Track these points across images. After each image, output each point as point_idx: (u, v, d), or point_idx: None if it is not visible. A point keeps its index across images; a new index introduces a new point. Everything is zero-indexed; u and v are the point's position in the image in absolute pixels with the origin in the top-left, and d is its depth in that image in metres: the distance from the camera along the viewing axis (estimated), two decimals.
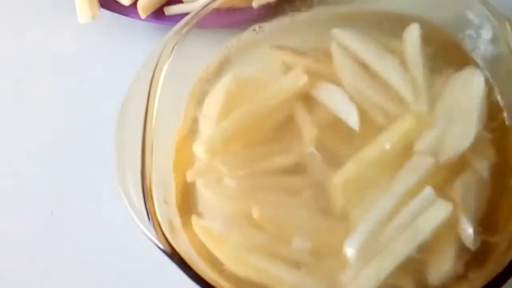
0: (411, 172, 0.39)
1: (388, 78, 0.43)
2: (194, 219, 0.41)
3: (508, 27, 0.42)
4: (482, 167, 0.40)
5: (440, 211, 0.38)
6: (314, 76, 0.44)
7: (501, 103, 0.43)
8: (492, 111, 0.42)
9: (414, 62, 0.43)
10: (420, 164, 0.40)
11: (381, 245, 0.37)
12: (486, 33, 0.44)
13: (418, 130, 0.41)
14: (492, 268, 0.36)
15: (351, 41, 0.45)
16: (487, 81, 0.43)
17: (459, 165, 0.40)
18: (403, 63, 0.43)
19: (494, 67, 0.44)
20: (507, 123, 0.42)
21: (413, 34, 0.44)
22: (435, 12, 0.46)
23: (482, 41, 0.44)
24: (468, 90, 0.43)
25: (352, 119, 0.41)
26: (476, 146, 0.41)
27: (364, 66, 0.44)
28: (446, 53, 0.45)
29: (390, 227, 0.38)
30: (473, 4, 0.43)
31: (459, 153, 0.40)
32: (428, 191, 0.38)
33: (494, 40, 0.43)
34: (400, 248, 0.37)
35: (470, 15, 0.44)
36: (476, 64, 0.44)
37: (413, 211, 0.38)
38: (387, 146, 0.40)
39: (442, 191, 0.39)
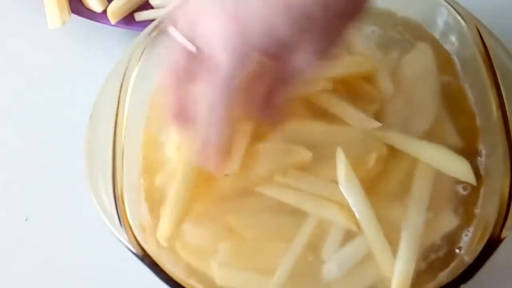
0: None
1: None
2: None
3: (474, 24, 0.43)
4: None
5: None
6: None
7: (469, 91, 0.44)
8: (459, 96, 0.44)
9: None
10: None
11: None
12: (456, 30, 0.45)
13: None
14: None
15: None
16: (448, 58, 0.45)
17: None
18: None
19: (462, 60, 0.45)
20: (475, 111, 0.43)
21: None
22: (406, 10, 0.47)
23: (451, 37, 0.45)
24: (420, 64, 0.45)
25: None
26: (439, 124, 0.43)
27: None
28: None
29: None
30: (442, 3, 0.45)
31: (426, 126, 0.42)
32: None
33: (462, 36, 0.44)
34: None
35: (440, 14, 0.45)
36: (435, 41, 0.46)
37: None
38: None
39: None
